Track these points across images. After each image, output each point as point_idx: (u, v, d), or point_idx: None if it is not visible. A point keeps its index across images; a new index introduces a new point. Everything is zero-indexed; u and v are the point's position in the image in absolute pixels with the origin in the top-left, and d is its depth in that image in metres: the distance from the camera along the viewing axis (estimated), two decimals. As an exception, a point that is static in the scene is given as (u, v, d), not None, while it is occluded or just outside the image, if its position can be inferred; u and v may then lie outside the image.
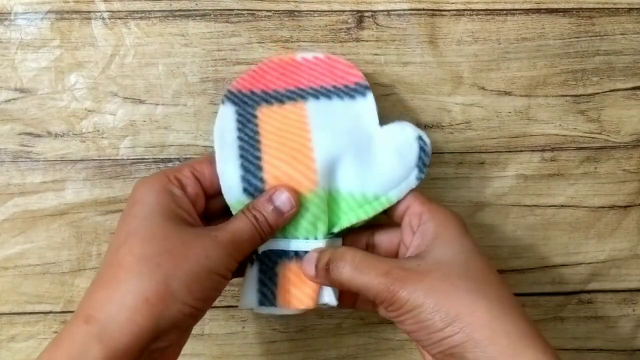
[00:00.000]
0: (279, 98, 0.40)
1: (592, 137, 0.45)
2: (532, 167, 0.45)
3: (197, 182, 0.37)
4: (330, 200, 0.39)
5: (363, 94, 0.40)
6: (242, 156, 0.38)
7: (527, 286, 0.46)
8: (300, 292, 0.38)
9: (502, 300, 0.33)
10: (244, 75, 0.40)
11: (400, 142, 0.39)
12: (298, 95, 0.40)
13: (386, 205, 0.39)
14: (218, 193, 0.38)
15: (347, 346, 0.46)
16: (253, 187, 0.38)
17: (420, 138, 0.39)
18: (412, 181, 0.39)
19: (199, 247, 0.33)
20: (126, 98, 0.43)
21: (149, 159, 0.43)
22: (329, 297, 0.38)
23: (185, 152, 0.43)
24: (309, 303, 0.38)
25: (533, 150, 0.45)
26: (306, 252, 0.38)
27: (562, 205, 0.46)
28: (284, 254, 0.38)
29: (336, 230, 0.38)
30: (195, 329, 0.45)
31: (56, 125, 0.43)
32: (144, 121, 0.43)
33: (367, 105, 0.39)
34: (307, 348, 0.45)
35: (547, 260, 0.46)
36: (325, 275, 0.36)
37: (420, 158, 0.39)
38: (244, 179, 0.38)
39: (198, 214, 0.37)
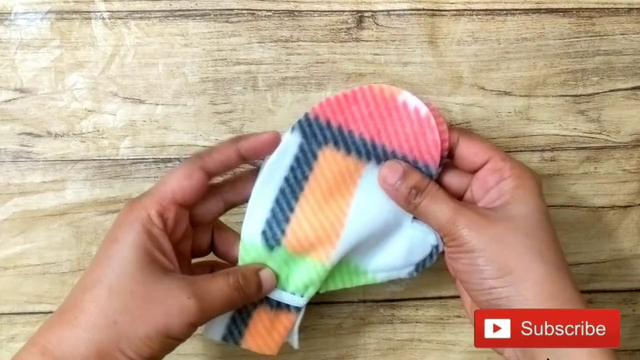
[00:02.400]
0: (348, 146, 0.37)
1: (592, 137, 0.45)
2: (532, 167, 0.45)
3: (178, 207, 0.36)
4: None
5: None
6: (277, 200, 0.38)
7: (527, 286, 0.46)
8: (270, 338, 0.39)
9: (558, 266, 0.34)
10: (331, 98, 0.37)
11: (418, 243, 0.39)
12: (366, 151, 0.37)
13: (369, 282, 0.40)
14: (200, 196, 0.37)
15: (347, 346, 0.46)
16: (272, 233, 0.38)
17: (436, 247, 0.39)
18: (403, 274, 0.40)
19: (160, 313, 0.33)
20: (126, 98, 0.43)
21: (149, 159, 0.43)
22: (291, 339, 0.40)
23: (185, 152, 0.43)
24: (274, 350, 0.40)
25: (533, 150, 0.45)
26: (288, 305, 0.39)
27: (562, 205, 0.46)
28: (266, 301, 0.39)
29: (322, 291, 0.40)
30: (195, 329, 0.45)
31: (56, 125, 0.43)
32: (144, 121, 0.43)
33: None
34: (307, 348, 0.45)
35: (547, 260, 0.46)
36: (404, 192, 0.36)
37: (423, 261, 0.39)
38: (267, 223, 0.38)
39: (180, 236, 0.37)
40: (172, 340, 0.34)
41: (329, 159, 0.37)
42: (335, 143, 0.37)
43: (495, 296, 0.34)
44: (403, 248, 0.39)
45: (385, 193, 0.38)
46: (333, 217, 0.38)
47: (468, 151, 0.37)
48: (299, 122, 0.37)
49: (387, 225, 0.39)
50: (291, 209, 0.38)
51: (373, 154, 0.38)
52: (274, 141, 0.37)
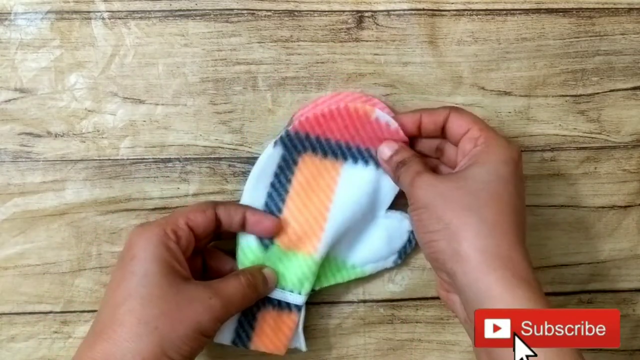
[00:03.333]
0: (325, 150, 0.41)
1: (592, 137, 0.45)
2: (532, 167, 0.45)
3: (190, 231, 0.38)
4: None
5: None
6: (266, 204, 0.42)
7: (527, 286, 0.46)
8: (276, 338, 0.42)
9: (497, 225, 0.34)
10: (310, 116, 0.40)
11: (395, 230, 0.43)
12: (342, 153, 0.42)
13: (359, 276, 0.44)
14: (207, 236, 0.40)
15: (347, 346, 0.46)
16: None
17: (412, 232, 0.43)
18: (388, 263, 0.44)
19: (192, 312, 0.36)
20: (126, 98, 0.43)
21: (149, 159, 0.43)
22: (299, 343, 0.43)
23: (185, 152, 0.43)
24: (282, 349, 0.42)
25: (533, 150, 0.45)
26: (288, 303, 0.42)
27: (562, 205, 0.46)
28: (268, 301, 0.42)
29: (317, 288, 0.43)
30: (195, 329, 0.45)
31: (56, 125, 0.43)
32: (144, 121, 0.43)
33: (391, 186, 0.42)
34: (307, 348, 0.45)
35: (547, 260, 0.46)
36: (393, 166, 0.40)
37: (404, 247, 0.44)
38: None
39: (187, 258, 0.39)
40: (204, 337, 0.36)
41: (307, 163, 0.41)
42: (314, 149, 0.41)
43: (435, 249, 0.35)
44: (382, 237, 0.43)
45: (381, 166, 0.41)
46: (317, 212, 0.41)
47: (454, 124, 0.39)
48: (281, 137, 0.41)
49: (365, 217, 0.42)
50: (279, 210, 0.42)
51: (348, 153, 0.42)
52: (274, 227, 0.41)
